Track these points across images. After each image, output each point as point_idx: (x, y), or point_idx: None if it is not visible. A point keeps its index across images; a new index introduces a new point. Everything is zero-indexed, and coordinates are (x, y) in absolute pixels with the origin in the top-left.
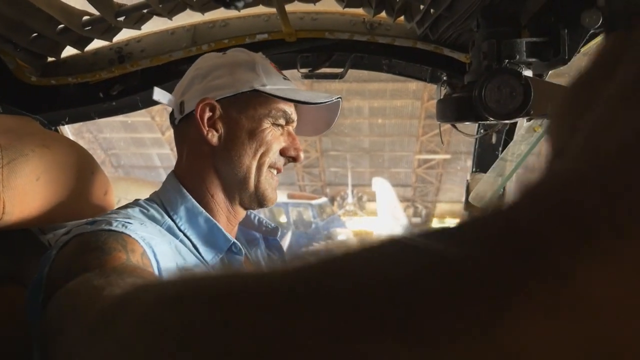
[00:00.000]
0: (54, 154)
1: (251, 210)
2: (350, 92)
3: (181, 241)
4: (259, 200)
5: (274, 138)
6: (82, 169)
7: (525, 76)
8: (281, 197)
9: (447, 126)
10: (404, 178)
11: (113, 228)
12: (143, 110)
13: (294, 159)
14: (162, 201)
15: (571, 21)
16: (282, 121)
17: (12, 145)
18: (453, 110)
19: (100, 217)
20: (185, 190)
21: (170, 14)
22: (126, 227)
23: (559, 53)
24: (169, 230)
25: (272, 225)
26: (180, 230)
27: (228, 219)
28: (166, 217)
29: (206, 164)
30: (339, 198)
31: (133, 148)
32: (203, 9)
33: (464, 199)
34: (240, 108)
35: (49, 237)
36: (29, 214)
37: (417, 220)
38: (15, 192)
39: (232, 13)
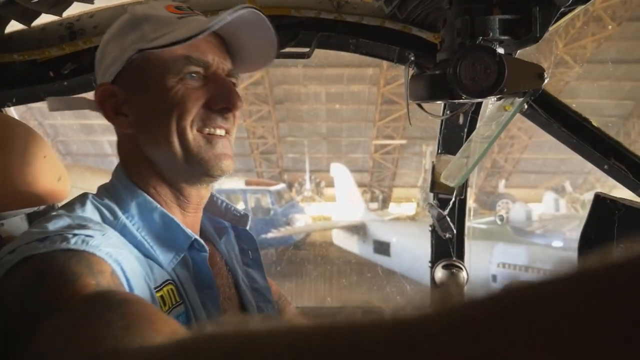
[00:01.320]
0: (1, 136)
1: (217, 196)
2: (307, 78)
3: (138, 245)
4: (201, 169)
5: (187, 94)
6: (33, 152)
7: (499, 53)
8: (239, 184)
9: (404, 110)
10: (362, 163)
11: (72, 246)
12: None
13: (227, 110)
14: (112, 196)
15: None
16: (192, 69)
17: None
18: (426, 89)
19: (50, 224)
20: (134, 185)
21: None
22: (87, 242)
23: (530, 31)
24: (124, 231)
25: (241, 212)
26: (135, 230)
27: (182, 208)
28: (120, 215)
29: (135, 154)
30: (296, 184)
31: (82, 135)
32: None
33: (427, 181)
34: (136, 77)
35: (2, 225)
36: None
37: (374, 205)
38: None
39: None
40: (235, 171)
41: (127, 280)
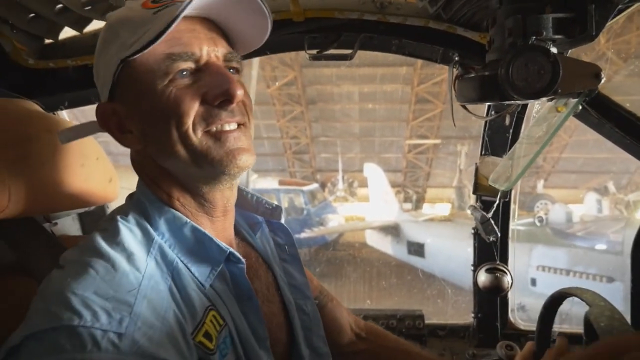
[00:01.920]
0: (56, 139)
1: (246, 190)
2: (340, 77)
3: (174, 272)
4: (216, 170)
5: (180, 96)
6: (86, 154)
7: (553, 53)
8: (272, 183)
9: (438, 110)
10: (395, 163)
11: (103, 355)
12: None
13: (228, 102)
14: (142, 213)
15: None
16: (179, 66)
17: (15, 131)
18: (476, 90)
19: (72, 289)
20: (159, 200)
21: None
22: (118, 348)
23: (585, 29)
24: (160, 255)
25: (273, 204)
26: (170, 250)
27: (209, 214)
28: (153, 235)
29: (151, 168)
30: (329, 184)
31: None
32: None
33: (461, 181)
34: (130, 90)
35: (53, 225)
36: (34, 201)
37: (407, 205)
38: (22, 179)
39: None
40: (268, 171)
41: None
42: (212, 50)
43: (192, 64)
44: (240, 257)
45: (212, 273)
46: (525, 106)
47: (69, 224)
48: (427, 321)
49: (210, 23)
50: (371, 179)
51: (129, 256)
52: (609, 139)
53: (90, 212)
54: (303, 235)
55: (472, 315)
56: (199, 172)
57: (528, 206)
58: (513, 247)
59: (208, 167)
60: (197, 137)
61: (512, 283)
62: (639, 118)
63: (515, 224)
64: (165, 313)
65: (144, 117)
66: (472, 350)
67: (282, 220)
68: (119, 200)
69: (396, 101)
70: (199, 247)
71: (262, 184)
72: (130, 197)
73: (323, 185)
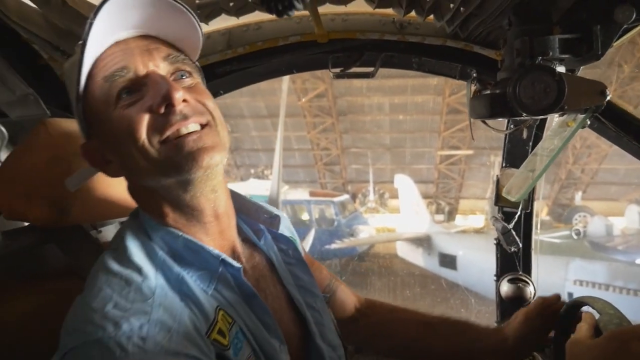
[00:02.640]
0: None
1: (248, 199)
2: (370, 89)
3: (180, 283)
4: (181, 175)
5: (128, 115)
6: None
7: (559, 72)
8: (303, 194)
9: (470, 123)
10: (426, 174)
11: (130, 357)
12: None
13: (171, 106)
14: (144, 232)
15: (604, 17)
16: (118, 86)
17: (67, 147)
18: (487, 107)
19: (96, 301)
20: (152, 219)
21: (207, 18)
22: (144, 350)
23: (591, 48)
24: (167, 267)
25: (272, 214)
26: (174, 264)
27: (201, 222)
28: (157, 251)
29: (140, 191)
30: (360, 195)
31: None
32: (238, 13)
33: (492, 194)
34: (95, 124)
35: (99, 233)
36: (89, 211)
37: (439, 217)
38: (81, 191)
39: (265, 16)
40: (299, 182)
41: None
42: (149, 60)
43: (130, 80)
44: (233, 262)
45: (212, 279)
46: (544, 120)
47: (111, 232)
48: None
49: (148, 38)
50: (402, 190)
51: (140, 270)
52: (627, 151)
53: None
54: (333, 246)
55: (495, 324)
56: (172, 182)
57: (566, 219)
58: (541, 259)
59: (175, 174)
60: (155, 148)
61: (535, 294)
62: None
63: (551, 236)
64: (180, 317)
65: (111, 145)
66: None
67: (280, 230)
68: None
69: (427, 112)
70: (195, 257)
71: (293, 195)
72: (134, 214)
73: (354, 197)
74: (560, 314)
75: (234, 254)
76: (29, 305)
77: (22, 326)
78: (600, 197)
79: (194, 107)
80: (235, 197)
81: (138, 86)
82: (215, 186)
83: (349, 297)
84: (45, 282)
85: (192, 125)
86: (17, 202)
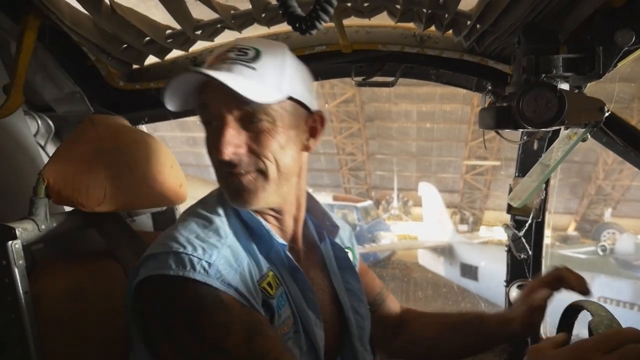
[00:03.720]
0: (142, 148)
1: (320, 205)
2: (398, 96)
3: (246, 240)
4: (229, 198)
5: (206, 139)
6: (163, 162)
7: (560, 89)
8: (326, 198)
9: (494, 133)
10: (451, 184)
11: (197, 277)
12: None
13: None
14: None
15: (606, 39)
16: (203, 115)
17: (109, 141)
18: (493, 119)
19: (180, 232)
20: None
21: (240, 27)
22: (208, 273)
23: (594, 68)
24: (239, 227)
25: (334, 223)
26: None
27: (267, 220)
28: (231, 214)
29: None
30: (384, 202)
31: (186, 147)
32: (269, 23)
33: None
34: None
35: (132, 221)
36: (122, 200)
37: (463, 227)
38: (114, 182)
39: None
40: (323, 186)
41: (243, 296)
42: (224, 106)
43: (210, 116)
44: (282, 240)
45: (269, 250)
46: (556, 133)
47: (144, 221)
48: None
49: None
50: (425, 198)
51: (221, 219)
52: (635, 166)
53: (162, 212)
54: None
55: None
56: None
57: (594, 235)
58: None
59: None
60: (217, 169)
61: None
62: None
63: (576, 251)
64: (242, 261)
65: None
66: None
67: (336, 239)
68: (186, 203)
69: (455, 121)
70: (261, 233)
71: (317, 198)
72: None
73: (377, 203)
74: (560, 318)
75: (293, 241)
76: (71, 281)
77: (64, 299)
78: (631, 214)
79: (245, 160)
80: (309, 198)
81: (210, 130)
82: (269, 204)
83: (396, 307)
84: (85, 262)
85: (235, 170)
86: (65, 189)
